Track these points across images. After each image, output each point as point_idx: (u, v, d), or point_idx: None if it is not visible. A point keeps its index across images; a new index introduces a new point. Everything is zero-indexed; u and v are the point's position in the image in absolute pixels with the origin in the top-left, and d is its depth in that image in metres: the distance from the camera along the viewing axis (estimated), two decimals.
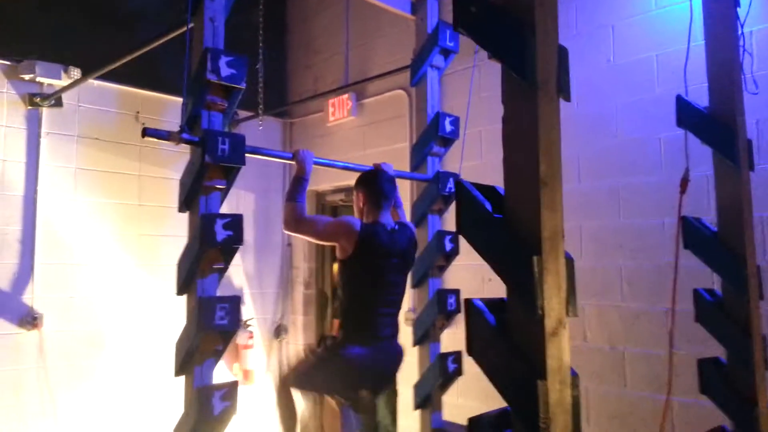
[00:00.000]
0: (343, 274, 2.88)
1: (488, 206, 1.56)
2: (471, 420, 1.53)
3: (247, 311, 5.28)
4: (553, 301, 1.47)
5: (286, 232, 2.89)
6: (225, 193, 2.66)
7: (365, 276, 2.79)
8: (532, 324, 1.46)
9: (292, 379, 2.92)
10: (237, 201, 5.14)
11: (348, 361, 2.75)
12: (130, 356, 4.45)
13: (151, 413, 4.45)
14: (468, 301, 1.56)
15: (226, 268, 2.63)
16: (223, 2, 2.66)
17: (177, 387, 2.59)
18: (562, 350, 1.49)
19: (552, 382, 1.43)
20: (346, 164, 3.47)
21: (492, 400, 1.51)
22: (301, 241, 5.67)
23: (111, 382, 4.35)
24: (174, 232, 4.70)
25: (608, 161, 3.65)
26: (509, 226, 1.52)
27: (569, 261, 1.53)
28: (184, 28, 2.89)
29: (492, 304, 1.59)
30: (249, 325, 5.20)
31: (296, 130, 5.84)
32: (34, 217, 4.05)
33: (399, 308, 2.92)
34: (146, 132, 2.39)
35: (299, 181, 2.83)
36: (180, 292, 2.62)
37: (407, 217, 3.39)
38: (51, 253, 4.13)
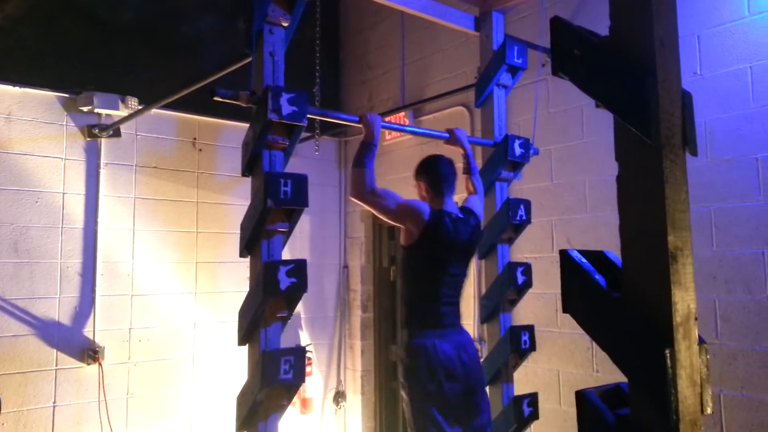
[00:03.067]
0: (405, 262, 2.81)
1: (602, 282, 1.34)
2: None
3: (304, 337, 5.15)
4: (687, 402, 1.24)
5: (353, 200, 2.74)
6: (287, 236, 2.52)
7: (427, 265, 2.72)
8: (662, 426, 1.24)
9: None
10: None
11: (418, 352, 2.62)
12: (190, 387, 4.38)
13: None
14: (580, 394, 1.34)
15: (290, 316, 2.49)
16: (282, 35, 2.52)
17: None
18: None
19: None
20: (415, 129, 3.59)
21: None
22: (358, 262, 5.50)
23: (172, 415, 4.28)
24: (231, 258, 4.62)
25: (698, 183, 3.32)
26: (630, 309, 1.29)
27: (703, 348, 1.30)
28: (244, 61, 2.77)
29: (607, 395, 1.37)
30: (308, 351, 5.06)
31: (351, 148, 5.68)
32: (95, 249, 4.02)
33: (460, 297, 2.85)
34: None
35: (368, 146, 2.74)
36: (242, 342, 2.48)
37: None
38: (111, 285, 4.09)
